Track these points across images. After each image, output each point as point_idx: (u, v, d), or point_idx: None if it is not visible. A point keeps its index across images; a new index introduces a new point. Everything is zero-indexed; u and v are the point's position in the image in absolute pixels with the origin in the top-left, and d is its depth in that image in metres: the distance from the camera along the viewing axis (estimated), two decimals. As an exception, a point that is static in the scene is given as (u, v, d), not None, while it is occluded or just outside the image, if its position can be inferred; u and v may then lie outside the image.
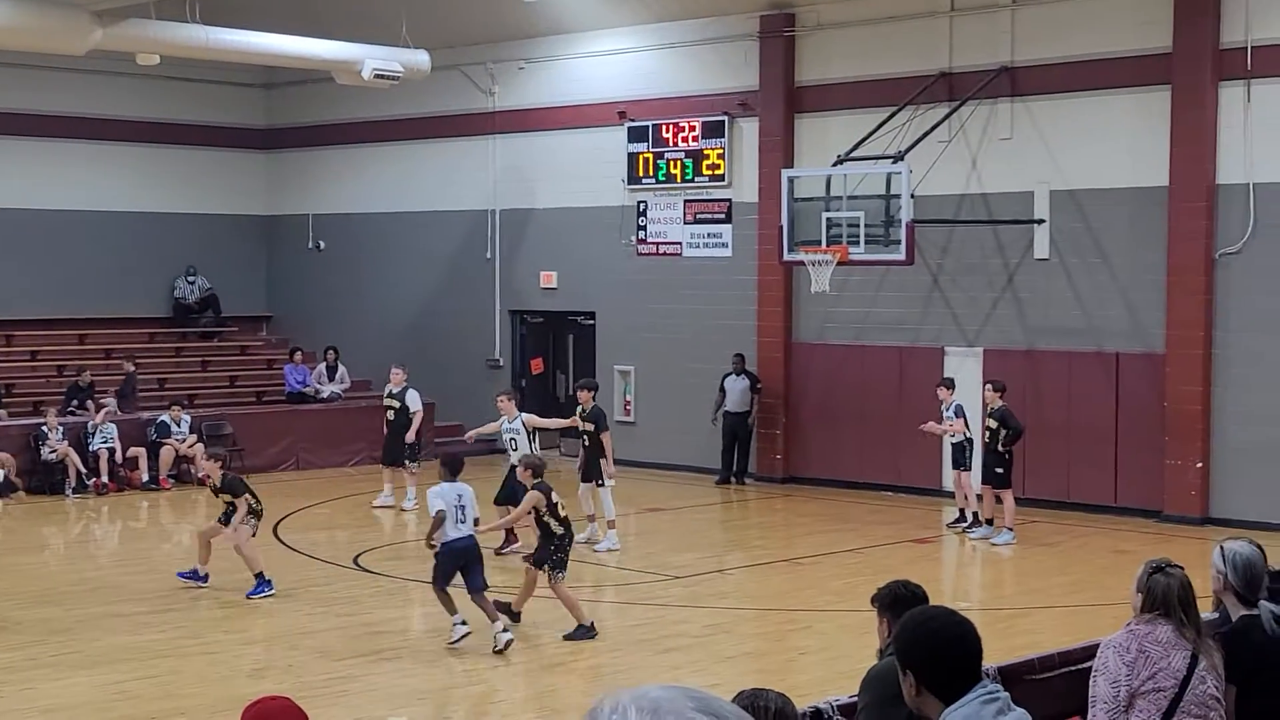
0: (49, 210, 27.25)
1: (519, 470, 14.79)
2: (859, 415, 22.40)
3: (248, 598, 14.84)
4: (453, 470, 13.35)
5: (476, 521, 13.25)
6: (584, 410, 18.04)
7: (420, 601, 15.10)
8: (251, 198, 30.04)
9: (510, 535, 17.26)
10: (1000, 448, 18.28)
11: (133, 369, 24.93)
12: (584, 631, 13.28)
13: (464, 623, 12.90)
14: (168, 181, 28.67)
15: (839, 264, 19.73)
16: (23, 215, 26.96)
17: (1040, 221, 20.75)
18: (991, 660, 5.73)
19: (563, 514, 13.46)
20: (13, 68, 25.71)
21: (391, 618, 14.48)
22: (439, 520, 12.94)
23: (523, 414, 17.81)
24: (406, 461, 20.66)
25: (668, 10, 24.02)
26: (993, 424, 18.34)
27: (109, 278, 27.69)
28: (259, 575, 15.01)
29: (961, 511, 19.32)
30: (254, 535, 15.36)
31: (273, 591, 14.95)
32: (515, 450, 17.27)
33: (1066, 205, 20.59)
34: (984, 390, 18.84)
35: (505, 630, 12.84)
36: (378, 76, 23.45)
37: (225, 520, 15.39)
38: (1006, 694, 4.52)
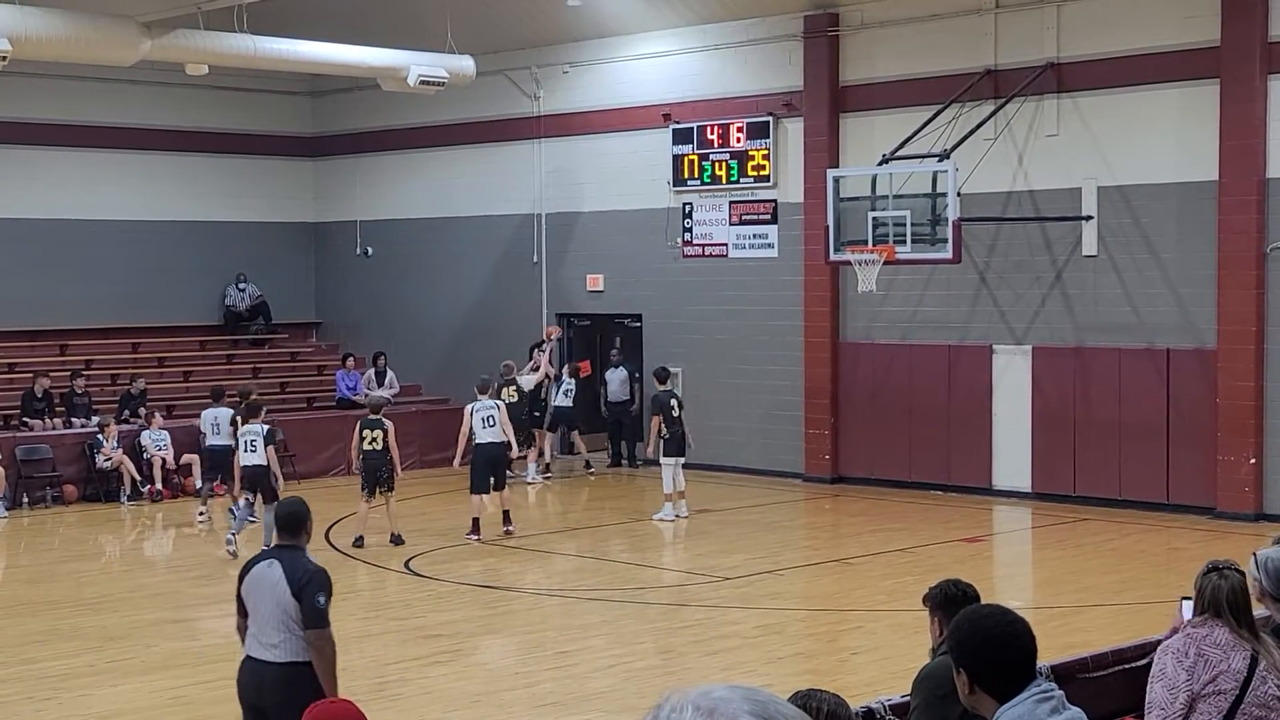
0: (100, 221, 27.51)
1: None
2: (907, 414, 22.35)
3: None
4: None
5: None
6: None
7: (473, 604, 15.19)
8: (300, 205, 30.23)
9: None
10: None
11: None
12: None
13: None
14: (217, 190, 28.89)
15: (885, 263, 19.70)
16: (75, 226, 27.23)
17: (1088, 218, 20.65)
18: (1045, 659, 5.73)
19: None
20: (63, 79, 25.96)
21: (444, 621, 14.55)
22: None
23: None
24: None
25: (711, 12, 24.03)
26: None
27: (161, 287, 27.92)
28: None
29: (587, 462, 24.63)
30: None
31: None
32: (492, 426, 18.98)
33: (1114, 201, 20.48)
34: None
35: None
36: (423, 83, 23.57)
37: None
38: (1061, 692, 4.53)
